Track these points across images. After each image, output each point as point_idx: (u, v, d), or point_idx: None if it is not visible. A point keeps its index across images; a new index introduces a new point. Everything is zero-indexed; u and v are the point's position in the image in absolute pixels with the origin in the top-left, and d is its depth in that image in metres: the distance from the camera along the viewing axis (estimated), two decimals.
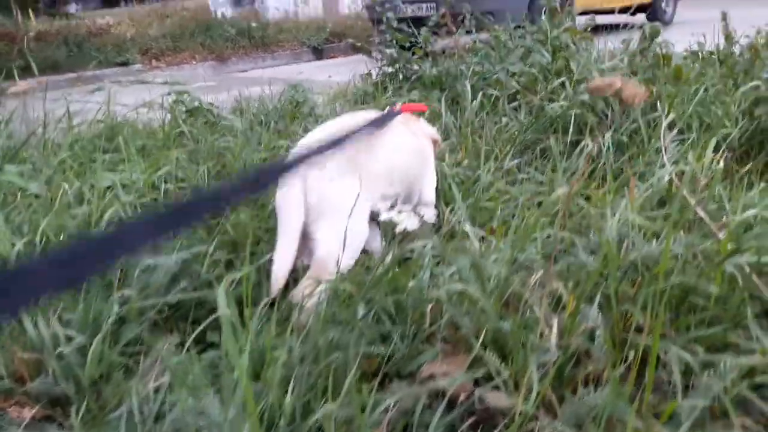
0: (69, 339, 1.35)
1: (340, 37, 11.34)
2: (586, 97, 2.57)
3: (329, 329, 1.24)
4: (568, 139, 2.46)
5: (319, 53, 10.99)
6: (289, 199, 1.72)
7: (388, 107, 2.31)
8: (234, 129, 3.33)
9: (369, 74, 4.71)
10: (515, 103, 2.92)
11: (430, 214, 1.33)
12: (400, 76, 4.21)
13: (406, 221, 1.31)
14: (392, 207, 1.44)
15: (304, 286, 1.60)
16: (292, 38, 11.02)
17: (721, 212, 1.77)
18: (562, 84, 2.83)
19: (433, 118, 3.01)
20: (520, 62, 3.21)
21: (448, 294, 1.31)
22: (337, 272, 1.53)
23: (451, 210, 2.11)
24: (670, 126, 2.48)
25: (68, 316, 1.43)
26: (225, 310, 1.05)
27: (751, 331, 1.30)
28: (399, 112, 2.11)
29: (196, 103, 3.59)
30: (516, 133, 2.59)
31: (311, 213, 1.71)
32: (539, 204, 2.20)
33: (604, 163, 2.28)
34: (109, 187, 2.38)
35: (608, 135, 2.39)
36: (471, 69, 3.38)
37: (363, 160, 1.82)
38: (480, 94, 2.97)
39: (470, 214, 2.09)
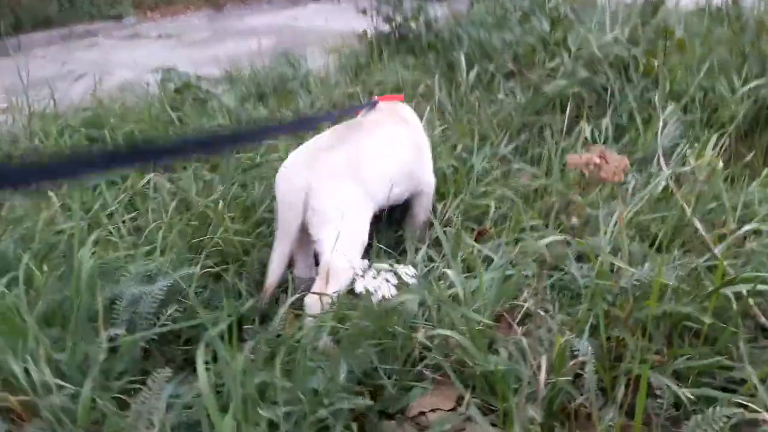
0: (59, 386, 1.35)
1: None
2: (584, 74, 2.47)
3: (312, 379, 1.22)
4: (566, 120, 2.38)
5: None
6: (290, 201, 1.71)
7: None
8: (223, 107, 3.25)
9: (365, 33, 4.56)
10: (512, 81, 2.81)
11: (409, 274, 1.30)
12: (396, 36, 4.07)
13: (383, 288, 1.27)
14: (368, 267, 1.41)
15: (317, 291, 1.61)
16: None
17: (721, 210, 1.72)
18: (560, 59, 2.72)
19: (428, 94, 2.92)
20: (519, 26, 3.09)
21: (435, 338, 1.29)
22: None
23: (445, 206, 2.07)
24: (674, 97, 2.40)
25: (58, 356, 1.43)
26: (206, 386, 1.04)
27: (744, 358, 1.28)
28: (377, 102, 2.14)
29: (185, 78, 3.47)
30: (513, 113, 2.50)
31: (315, 216, 1.71)
32: (535, 192, 2.15)
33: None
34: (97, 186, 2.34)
35: (607, 117, 2.32)
36: (468, 35, 3.24)
37: (366, 162, 1.81)
38: (476, 67, 2.85)
39: (464, 209, 2.05)
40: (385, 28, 4.39)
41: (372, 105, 2.17)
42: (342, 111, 2.19)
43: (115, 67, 6.12)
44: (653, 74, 2.47)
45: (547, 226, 1.93)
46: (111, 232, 1.92)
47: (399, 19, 4.16)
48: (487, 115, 2.47)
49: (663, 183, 1.74)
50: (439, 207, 2.05)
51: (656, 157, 1.93)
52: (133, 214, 2.10)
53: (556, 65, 2.66)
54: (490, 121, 2.46)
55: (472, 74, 2.82)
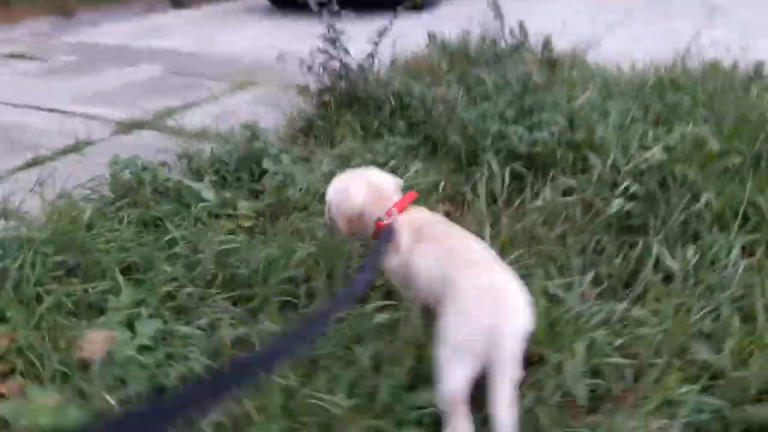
0: None
1: None
2: (635, 187, 2.44)
3: None
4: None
5: (178, 3, 9.82)
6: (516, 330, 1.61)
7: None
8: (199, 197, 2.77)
9: (306, 88, 4.18)
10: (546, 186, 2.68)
11: None
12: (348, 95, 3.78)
13: None
14: None
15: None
16: None
17: None
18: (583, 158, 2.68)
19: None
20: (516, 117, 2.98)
21: None
22: None
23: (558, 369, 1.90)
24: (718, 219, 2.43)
25: None
26: None
27: None
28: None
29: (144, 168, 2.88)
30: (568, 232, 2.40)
31: None
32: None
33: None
34: None
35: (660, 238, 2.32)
36: (462, 120, 3.07)
37: None
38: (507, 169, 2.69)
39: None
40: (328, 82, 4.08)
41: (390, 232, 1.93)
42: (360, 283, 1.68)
43: None
44: (689, 186, 2.51)
45: None
46: None
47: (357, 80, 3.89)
48: (547, 236, 2.35)
49: None
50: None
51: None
52: None
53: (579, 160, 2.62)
54: (550, 241, 2.34)
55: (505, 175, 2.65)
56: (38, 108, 4.95)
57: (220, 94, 5.28)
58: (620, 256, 2.36)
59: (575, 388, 1.84)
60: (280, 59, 3.86)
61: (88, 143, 4.23)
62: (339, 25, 3.93)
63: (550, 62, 3.11)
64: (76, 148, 4.16)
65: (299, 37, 7.38)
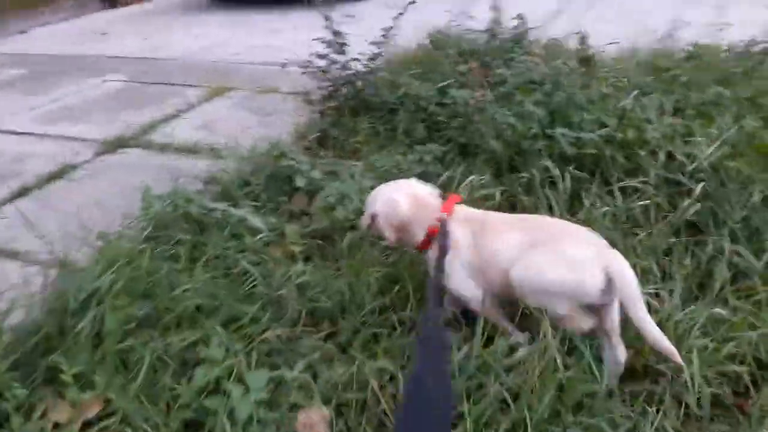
0: None
1: None
2: (697, 186, 2.49)
3: None
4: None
5: (112, 2, 9.30)
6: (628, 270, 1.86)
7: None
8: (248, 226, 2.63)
9: (307, 96, 4.03)
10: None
11: None
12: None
13: None
14: None
15: None
16: None
17: None
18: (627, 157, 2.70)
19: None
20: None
21: None
22: None
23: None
24: None
25: None
26: None
27: None
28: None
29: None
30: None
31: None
32: None
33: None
34: None
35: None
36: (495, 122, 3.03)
37: None
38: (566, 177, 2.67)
39: None
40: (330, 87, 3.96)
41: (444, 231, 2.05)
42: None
43: None
44: (742, 181, 2.57)
45: None
46: None
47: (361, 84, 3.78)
48: (623, 242, 2.35)
49: None
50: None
51: None
52: None
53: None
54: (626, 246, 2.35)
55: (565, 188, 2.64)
56: (4, 131, 4.56)
57: (197, 102, 5.02)
58: (688, 256, 2.40)
59: (691, 398, 1.86)
60: (285, 66, 3.72)
61: (73, 167, 3.96)
62: (338, 27, 3.83)
63: (586, 59, 3.09)
64: (63, 173, 3.88)
65: (255, 32, 7.22)
